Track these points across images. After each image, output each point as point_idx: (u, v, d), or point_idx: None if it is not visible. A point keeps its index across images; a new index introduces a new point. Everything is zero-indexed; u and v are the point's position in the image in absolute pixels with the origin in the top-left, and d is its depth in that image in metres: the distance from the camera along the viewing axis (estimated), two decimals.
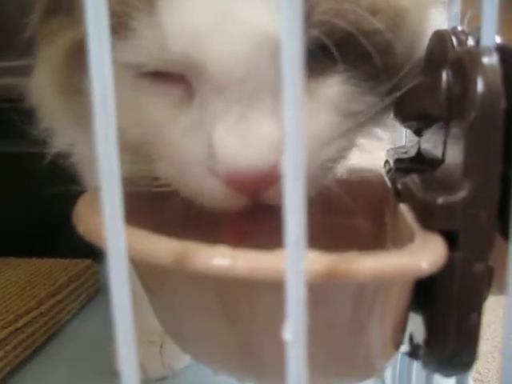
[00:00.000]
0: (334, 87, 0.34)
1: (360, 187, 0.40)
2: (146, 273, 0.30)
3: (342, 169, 0.41)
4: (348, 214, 0.41)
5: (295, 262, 0.19)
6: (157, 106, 0.35)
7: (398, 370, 0.52)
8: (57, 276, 0.83)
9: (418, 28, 0.35)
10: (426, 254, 0.24)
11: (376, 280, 0.23)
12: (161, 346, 0.66)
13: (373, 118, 0.36)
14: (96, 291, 0.89)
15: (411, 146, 0.39)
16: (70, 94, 0.37)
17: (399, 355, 0.51)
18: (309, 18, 0.30)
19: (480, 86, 0.25)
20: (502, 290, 0.26)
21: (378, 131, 0.41)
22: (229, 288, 0.25)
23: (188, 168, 0.34)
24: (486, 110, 0.25)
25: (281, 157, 0.18)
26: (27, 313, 0.72)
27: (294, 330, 0.19)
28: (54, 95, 0.40)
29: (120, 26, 0.31)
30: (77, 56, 0.33)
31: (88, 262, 0.89)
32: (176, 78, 0.33)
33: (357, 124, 0.35)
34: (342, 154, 0.36)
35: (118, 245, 0.20)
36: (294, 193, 0.18)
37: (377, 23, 0.31)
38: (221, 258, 0.22)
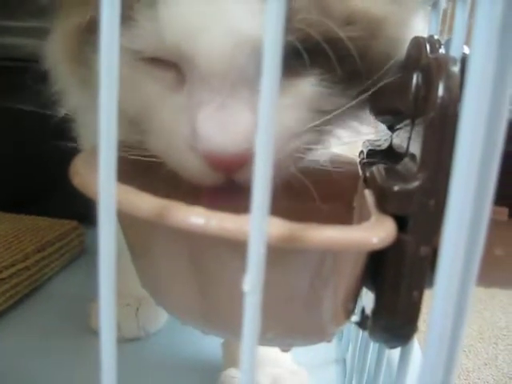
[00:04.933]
0: (307, 87, 0.38)
1: (334, 174, 0.43)
2: (130, 228, 0.34)
3: (322, 156, 0.44)
4: (319, 199, 0.44)
5: (258, 224, 0.22)
6: (152, 87, 0.39)
7: (358, 346, 0.55)
8: (44, 233, 0.84)
9: (395, 35, 0.38)
10: (377, 231, 0.27)
11: (331, 248, 0.26)
12: (137, 309, 0.70)
13: (349, 114, 0.40)
14: (80, 252, 0.92)
15: (385, 140, 0.43)
16: (79, 62, 0.41)
17: (360, 335, 0.54)
18: (287, 25, 0.33)
19: (441, 90, 0.28)
20: None
21: (357, 125, 0.45)
22: (199, 243, 0.28)
23: (173, 143, 0.38)
24: (444, 112, 0.28)
25: (252, 143, 0.22)
26: (13, 265, 0.74)
27: (252, 282, 0.22)
28: (64, 62, 0.44)
29: (125, 17, 0.35)
30: (88, 31, 0.37)
31: (74, 223, 0.91)
32: (170, 66, 0.38)
33: (326, 121, 0.39)
34: (310, 146, 0.40)
35: (109, 197, 0.23)
36: (262, 167, 0.21)
37: (347, 33, 0.35)
38: (197, 217, 0.25)
